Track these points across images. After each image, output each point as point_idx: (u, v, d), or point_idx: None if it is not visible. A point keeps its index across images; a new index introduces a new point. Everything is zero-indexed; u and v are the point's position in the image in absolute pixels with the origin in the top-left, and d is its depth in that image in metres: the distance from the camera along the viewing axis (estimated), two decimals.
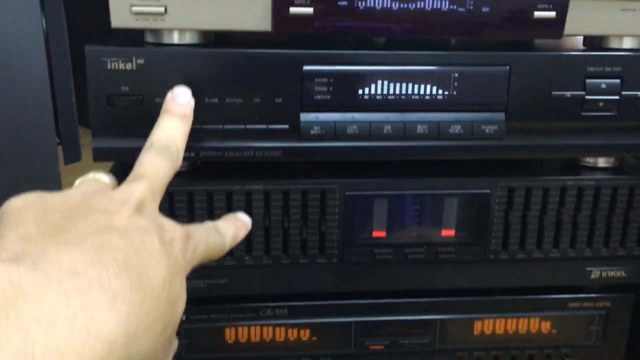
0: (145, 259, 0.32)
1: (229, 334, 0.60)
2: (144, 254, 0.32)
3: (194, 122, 0.51)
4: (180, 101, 0.46)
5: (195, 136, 0.52)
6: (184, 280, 0.36)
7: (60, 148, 0.61)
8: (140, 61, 0.49)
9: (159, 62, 0.50)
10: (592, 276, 0.61)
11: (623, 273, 0.62)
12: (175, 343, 0.38)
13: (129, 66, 0.49)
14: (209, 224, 0.43)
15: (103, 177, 0.41)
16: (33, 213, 0.31)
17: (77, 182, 0.41)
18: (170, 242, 0.35)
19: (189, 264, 0.38)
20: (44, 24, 0.57)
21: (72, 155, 0.63)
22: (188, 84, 0.50)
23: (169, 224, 0.37)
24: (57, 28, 0.58)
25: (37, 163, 0.60)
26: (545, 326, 0.63)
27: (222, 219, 0.47)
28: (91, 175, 0.41)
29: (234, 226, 0.46)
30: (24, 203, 0.32)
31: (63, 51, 0.58)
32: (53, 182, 0.62)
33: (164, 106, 0.46)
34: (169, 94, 0.47)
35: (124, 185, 0.38)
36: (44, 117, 0.58)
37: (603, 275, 0.61)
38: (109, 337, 0.28)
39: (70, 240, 0.30)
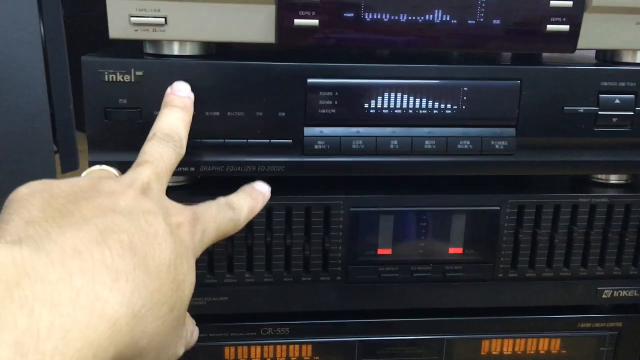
0: (150, 239, 0.32)
1: (229, 353, 0.58)
2: (149, 235, 0.32)
3: (194, 135, 0.49)
4: (180, 94, 0.46)
5: (195, 150, 0.50)
6: (192, 262, 0.36)
7: (57, 156, 0.60)
8: (139, 73, 0.48)
9: (159, 74, 0.48)
10: (604, 295, 0.59)
11: (635, 292, 0.60)
12: (187, 330, 0.38)
13: (127, 78, 0.48)
14: (221, 200, 0.43)
15: (108, 168, 0.42)
16: (38, 199, 0.32)
17: (84, 173, 0.42)
18: (177, 225, 0.36)
19: (199, 246, 0.38)
20: (42, 32, 0.56)
21: (70, 164, 0.62)
22: None
23: (175, 206, 0.37)
24: (56, 36, 0.57)
25: (34, 171, 0.59)
26: (555, 346, 0.61)
27: (238, 191, 0.45)
28: (97, 167, 0.42)
29: (250, 198, 0.45)
30: (30, 190, 0.33)
31: (61, 59, 0.57)
32: None
33: (164, 101, 0.45)
34: (169, 89, 0.46)
35: (129, 171, 0.39)
36: (41, 126, 0.57)
37: (615, 294, 0.60)
38: (113, 316, 0.28)
39: (75, 222, 0.30)
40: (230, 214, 0.42)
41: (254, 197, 0.46)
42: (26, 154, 0.58)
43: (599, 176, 0.59)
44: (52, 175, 0.61)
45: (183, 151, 0.43)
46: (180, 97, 0.45)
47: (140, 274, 0.30)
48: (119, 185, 0.35)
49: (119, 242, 0.30)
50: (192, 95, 0.47)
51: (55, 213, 0.31)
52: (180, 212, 0.37)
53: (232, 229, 0.42)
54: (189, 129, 0.45)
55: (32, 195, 0.32)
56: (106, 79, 0.48)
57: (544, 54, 0.61)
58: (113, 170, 0.42)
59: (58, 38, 0.57)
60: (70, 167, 0.62)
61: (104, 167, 0.42)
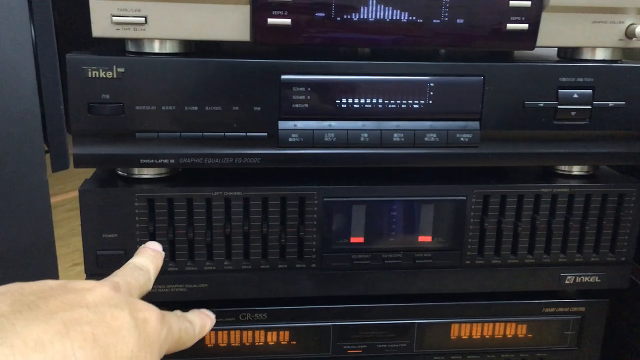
0: (114, 332, 0.33)
1: (209, 338, 0.61)
2: (114, 328, 0.34)
3: (174, 128, 0.52)
4: (152, 247, 0.48)
5: (174, 143, 0.53)
6: (156, 355, 0.37)
7: (48, 156, 0.62)
8: (121, 70, 0.50)
9: (140, 71, 0.51)
10: (567, 281, 0.62)
11: (597, 278, 0.63)
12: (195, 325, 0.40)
13: (109, 74, 0.50)
14: (178, 312, 0.45)
15: None
16: (9, 296, 0.33)
17: None
18: (144, 320, 0.37)
19: (164, 344, 0.39)
20: (33, 33, 0.58)
21: (60, 163, 0.63)
22: (168, 92, 0.52)
23: (143, 303, 0.39)
24: (46, 37, 0.58)
25: (25, 171, 0.60)
26: (521, 331, 0.64)
27: (189, 312, 0.47)
28: None
29: (200, 318, 0.47)
30: (4, 289, 0.34)
31: (51, 60, 0.58)
32: (41, 190, 0.62)
33: (137, 251, 0.48)
34: (142, 246, 0.49)
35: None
36: (32, 125, 0.58)
37: (577, 280, 0.63)
38: None
39: (41, 316, 0.32)
40: (188, 325, 0.44)
41: (202, 317, 0.47)
42: (17, 154, 0.59)
43: (563, 168, 0.62)
44: (42, 174, 0.62)
45: (150, 285, 0.45)
46: (153, 249, 0.48)
47: None
48: (88, 283, 0.37)
49: (82, 334, 0.31)
50: (163, 253, 0.49)
51: (23, 307, 0.32)
52: (147, 308, 0.38)
53: (189, 340, 0.44)
54: (157, 274, 0.47)
55: (4, 293, 0.33)
56: (89, 75, 0.50)
57: (514, 52, 0.64)
58: None
59: (48, 39, 0.59)
60: (61, 166, 0.64)
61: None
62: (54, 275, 0.66)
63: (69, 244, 1.31)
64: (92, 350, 0.31)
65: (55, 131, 0.60)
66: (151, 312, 0.38)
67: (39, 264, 0.64)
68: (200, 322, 0.46)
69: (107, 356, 0.32)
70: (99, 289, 0.36)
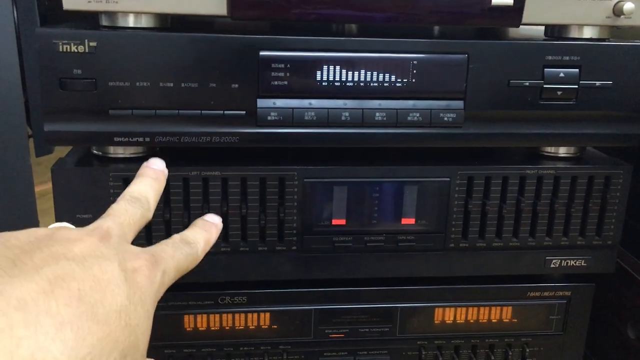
0: (102, 286, 0.32)
1: (188, 322, 0.60)
2: (102, 282, 0.32)
3: (149, 105, 0.51)
4: (154, 167, 0.46)
5: (150, 121, 0.51)
6: (148, 307, 0.36)
7: (32, 140, 0.60)
8: (93, 44, 0.49)
9: (113, 46, 0.49)
10: (552, 265, 0.61)
11: (583, 262, 0.62)
12: None
13: (81, 49, 0.49)
14: (176, 237, 0.43)
15: (70, 226, 0.41)
16: None
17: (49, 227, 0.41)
18: (134, 270, 0.36)
19: (161, 289, 0.38)
20: (15, 15, 0.56)
21: (44, 148, 0.62)
22: (142, 67, 0.50)
23: (134, 250, 0.37)
24: (29, 20, 0.57)
25: (8, 155, 0.59)
26: (506, 315, 0.64)
27: (191, 225, 0.46)
28: (59, 224, 0.41)
29: (203, 230, 0.45)
30: None
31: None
32: (24, 175, 0.61)
33: (138, 172, 0.46)
34: (144, 163, 0.47)
35: (92, 224, 0.39)
36: (15, 110, 0.58)
37: (563, 264, 0.62)
38: None
39: (25, 272, 0.30)
40: (187, 250, 0.42)
41: (207, 229, 0.46)
42: (0, 138, 0.59)
43: (548, 149, 0.61)
44: (26, 158, 0.61)
45: (150, 214, 0.43)
46: (154, 170, 0.46)
47: (86, 322, 0.30)
48: (75, 233, 0.36)
49: (68, 291, 0.30)
50: (166, 171, 0.47)
51: (7, 263, 0.31)
52: (138, 256, 0.37)
53: (191, 264, 0.43)
54: (158, 198, 0.45)
55: None
56: (60, 50, 0.49)
57: (498, 29, 0.63)
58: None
59: (31, 22, 0.57)
60: (44, 151, 0.62)
61: (66, 224, 0.41)
62: None
63: None
64: (77, 308, 0.30)
65: (39, 116, 0.59)
66: (142, 259, 0.37)
67: None
68: (204, 237, 0.44)
69: (94, 312, 0.31)
70: (88, 240, 0.35)
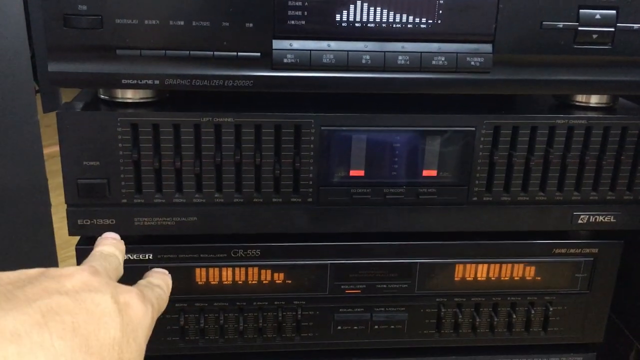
0: (95, 319, 0.32)
1: (199, 275, 0.58)
2: (95, 315, 0.33)
3: (159, 45, 0.48)
4: (110, 236, 0.46)
5: (159, 62, 0.49)
6: (141, 342, 0.36)
7: (39, 96, 0.59)
8: None
9: None
10: (580, 221, 0.59)
11: (612, 218, 0.59)
12: None
13: None
14: (143, 282, 0.43)
15: None
16: None
17: None
18: (126, 303, 0.36)
19: (152, 322, 0.39)
20: None
21: (51, 103, 0.61)
22: (151, 4, 0.47)
23: (123, 286, 0.38)
24: None
25: (15, 111, 0.58)
26: (529, 272, 0.61)
27: (146, 275, 0.45)
28: None
29: (162, 279, 0.45)
30: None
31: None
32: (32, 130, 0.60)
33: (96, 242, 0.45)
34: (99, 238, 0.45)
35: None
36: (21, 65, 0.57)
37: (591, 220, 0.59)
38: None
39: (18, 305, 0.30)
40: (159, 291, 0.42)
41: (162, 277, 0.45)
42: (7, 94, 0.57)
43: (579, 98, 0.58)
44: (33, 114, 0.59)
45: (122, 270, 0.43)
46: (111, 237, 0.45)
47: (80, 355, 0.30)
48: (67, 270, 0.36)
49: (61, 324, 0.30)
50: (122, 241, 0.46)
51: (0, 297, 0.31)
52: (129, 290, 0.37)
53: (164, 304, 0.43)
54: (123, 259, 0.44)
55: None
56: None
57: None
58: None
59: None
60: (52, 107, 0.61)
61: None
62: (47, 214, 0.64)
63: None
64: (72, 341, 0.30)
65: (46, 71, 0.57)
66: (132, 293, 0.37)
67: (31, 203, 0.62)
68: (165, 283, 0.44)
69: (88, 345, 0.31)
70: (79, 275, 0.35)
